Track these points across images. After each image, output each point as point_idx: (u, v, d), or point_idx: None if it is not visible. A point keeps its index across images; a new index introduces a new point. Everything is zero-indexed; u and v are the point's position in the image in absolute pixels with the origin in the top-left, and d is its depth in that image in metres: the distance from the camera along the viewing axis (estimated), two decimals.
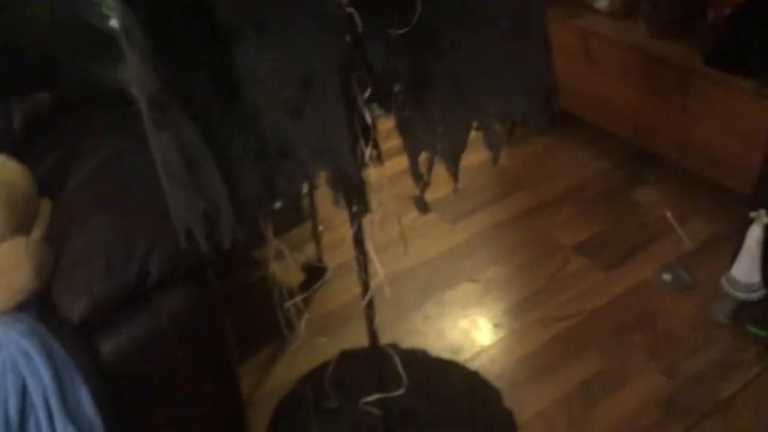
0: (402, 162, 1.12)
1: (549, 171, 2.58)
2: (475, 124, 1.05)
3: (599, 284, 2.07)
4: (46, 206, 1.47)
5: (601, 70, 2.41)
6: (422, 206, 1.12)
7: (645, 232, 2.25)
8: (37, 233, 1.39)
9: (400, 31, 0.91)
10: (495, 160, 1.06)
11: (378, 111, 1.06)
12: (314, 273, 2.11)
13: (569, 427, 1.67)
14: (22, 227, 1.38)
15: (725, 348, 1.83)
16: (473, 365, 1.84)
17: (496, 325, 1.97)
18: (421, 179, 1.08)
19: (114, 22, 1.70)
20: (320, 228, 2.15)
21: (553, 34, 1.07)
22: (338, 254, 2.19)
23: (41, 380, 1.18)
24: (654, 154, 2.40)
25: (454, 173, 1.07)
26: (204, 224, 0.99)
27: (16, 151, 1.54)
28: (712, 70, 2.05)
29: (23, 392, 1.16)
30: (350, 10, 0.83)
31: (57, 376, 1.19)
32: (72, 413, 1.18)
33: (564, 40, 2.43)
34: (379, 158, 1.14)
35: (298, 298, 1.28)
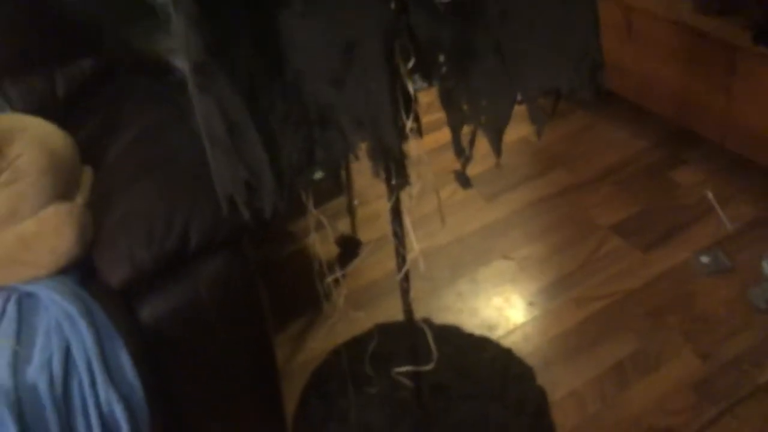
0: (440, 136, 1.11)
1: (587, 149, 2.54)
2: (519, 97, 1.04)
3: (636, 265, 2.05)
4: (88, 173, 1.49)
5: (644, 46, 2.36)
6: (464, 181, 1.11)
7: (684, 213, 2.21)
8: (79, 199, 1.42)
9: (446, 1, 0.89)
10: (539, 133, 1.04)
11: (420, 82, 1.05)
12: (349, 246, 2.12)
13: (602, 407, 1.66)
14: (65, 194, 1.40)
15: (763, 333, 1.80)
16: (507, 343, 1.84)
17: (530, 304, 1.96)
18: (463, 153, 1.07)
19: None
20: (356, 202, 2.16)
21: None
22: (372, 229, 2.19)
23: (84, 343, 1.20)
24: (696, 134, 2.35)
25: (497, 148, 1.05)
26: (245, 192, 0.99)
27: (60, 119, 1.56)
28: (760, 48, 1.99)
29: (67, 354, 1.19)
30: None
31: (99, 340, 1.21)
32: (113, 377, 1.21)
33: (606, 16, 2.37)
34: (419, 131, 1.14)
35: (339, 273, 1.28)
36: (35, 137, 1.41)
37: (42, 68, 1.69)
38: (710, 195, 2.23)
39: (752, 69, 2.03)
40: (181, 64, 0.91)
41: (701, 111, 2.25)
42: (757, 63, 2.01)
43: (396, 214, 1.21)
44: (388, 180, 1.13)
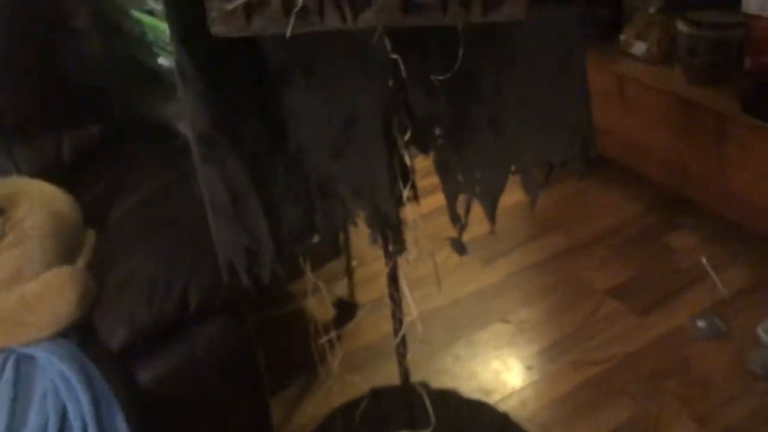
0: (436, 200, 1.14)
1: (582, 213, 2.58)
2: (513, 168, 1.07)
3: (632, 329, 2.05)
4: (90, 236, 1.52)
5: (638, 114, 2.42)
6: (460, 248, 1.14)
7: (679, 277, 2.23)
8: (81, 262, 1.44)
9: (442, 77, 0.93)
10: (533, 203, 1.08)
11: (416, 152, 1.09)
12: (346, 309, 2.13)
13: None
14: (67, 256, 1.43)
15: (760, 399, 1.79)
16: (504, 407, 1.83)
17: (528, 368, 1.96)
18: (458, 221, 1.10)
19: (162, 61, 1.77)
20: (354, 263, 2.18)
21: (590, 78, 1.08)
22: (370, 290, 2.20)
23: (80, 406, 1.20)
24: (689, 200, 2.39)
25: (492, 216, 1.08)
26: (245, 258, 1.02)
27: (65, 182, 1.60)
28: (749, 118, 2.04)
29: (63, 417, 1.19)
30: (395, 56, 0.86)
31: (95, 403, 1.22)
32: None
33: (601, 85, 2.45)
34: (415, 198, 1.17)
35: (332, 334, 1.29)
36: (40, 200, 1.45)
37: (50, 132, 1.73)
38: (704, 260, 2.25)
39: (742, 137, 2.08)
40: (186, 131, 0.94)
41: (694, 177, 2.30)
42: (747, 131, 2.06)
43: (393, 279, 1.23)
44: (385, 247, 1.16)
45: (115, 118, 1.79)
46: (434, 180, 1.11)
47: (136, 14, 1.92)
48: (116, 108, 1.80)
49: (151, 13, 1.88)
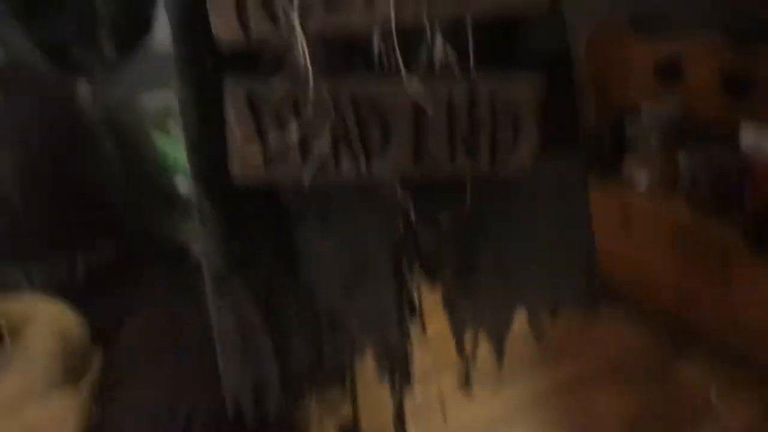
0: (442, 323, 1.15)
1: (590, 342, 2.55)
2: (518, 308, 1.09)
3: None
4: (97, 357, 1.52)
5: (643, 244, 2.45)
6: (467, 389, 1.14)
7: (688, 409, 2.18)
8: (86, 385, 1.43)
9: (451, 223, 0.97)
10: (538, 340, 1.09)
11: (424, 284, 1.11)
12: None
13: None
14: (72, 377, 1.42)
15: None
16: None
17: None
18: (466, 357, 1.11)
19: (180, 183, 1.83)
20: (358, 388, 2.14)
21: (595, 209, 1.10)
22: (375, 416, 2.15)
23: None
24: (697, 329, 2.38)
25: (499, 353, 1.09)
26: (252, 393, 1.02)
27: (76, 300, 1.61)
28: (753, 250, 2.07)
29: None
30: (406, 203, 0.90)
31: None
32: None
33: (605, 215, 2.49)
34: (423, 329, 1.17)
35: None
36: (48, 323, 1.46)
37: (65, 251, 1.76)
38: (714, 395, 2.21)
39: (747, 268, 2.10)
40: (199, 256, 0.96)
41: (701, 307, 2.30)
42: (752, 263, 2.08)
43: (399, 422, 1.23)
44: (392, 384, 1.16)
45: (130, 237, 1.82)
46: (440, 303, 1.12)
47: (158, 137, 2.00)
48: (131, 227, 1.83)
49: (171, 136, 1.96)
